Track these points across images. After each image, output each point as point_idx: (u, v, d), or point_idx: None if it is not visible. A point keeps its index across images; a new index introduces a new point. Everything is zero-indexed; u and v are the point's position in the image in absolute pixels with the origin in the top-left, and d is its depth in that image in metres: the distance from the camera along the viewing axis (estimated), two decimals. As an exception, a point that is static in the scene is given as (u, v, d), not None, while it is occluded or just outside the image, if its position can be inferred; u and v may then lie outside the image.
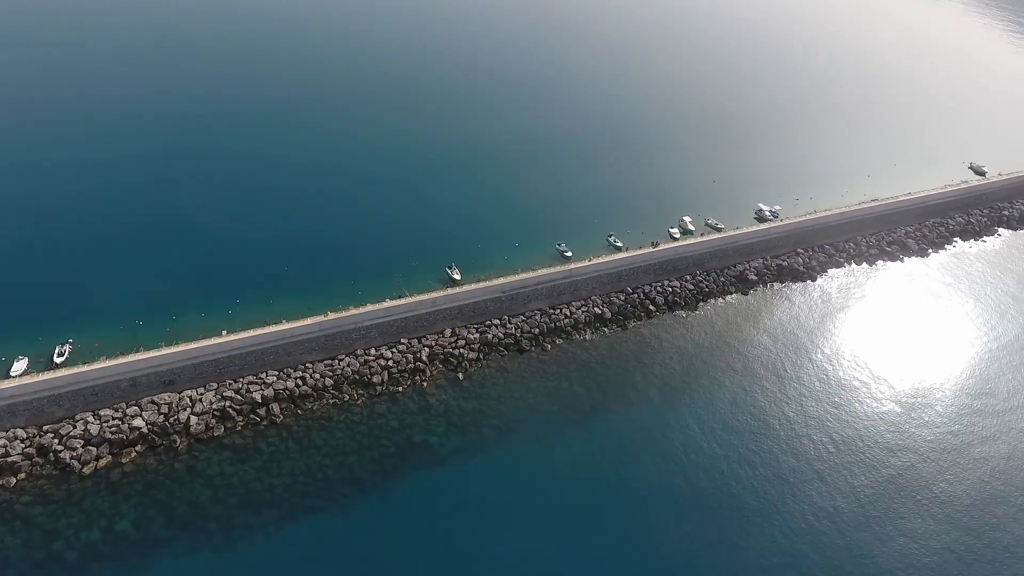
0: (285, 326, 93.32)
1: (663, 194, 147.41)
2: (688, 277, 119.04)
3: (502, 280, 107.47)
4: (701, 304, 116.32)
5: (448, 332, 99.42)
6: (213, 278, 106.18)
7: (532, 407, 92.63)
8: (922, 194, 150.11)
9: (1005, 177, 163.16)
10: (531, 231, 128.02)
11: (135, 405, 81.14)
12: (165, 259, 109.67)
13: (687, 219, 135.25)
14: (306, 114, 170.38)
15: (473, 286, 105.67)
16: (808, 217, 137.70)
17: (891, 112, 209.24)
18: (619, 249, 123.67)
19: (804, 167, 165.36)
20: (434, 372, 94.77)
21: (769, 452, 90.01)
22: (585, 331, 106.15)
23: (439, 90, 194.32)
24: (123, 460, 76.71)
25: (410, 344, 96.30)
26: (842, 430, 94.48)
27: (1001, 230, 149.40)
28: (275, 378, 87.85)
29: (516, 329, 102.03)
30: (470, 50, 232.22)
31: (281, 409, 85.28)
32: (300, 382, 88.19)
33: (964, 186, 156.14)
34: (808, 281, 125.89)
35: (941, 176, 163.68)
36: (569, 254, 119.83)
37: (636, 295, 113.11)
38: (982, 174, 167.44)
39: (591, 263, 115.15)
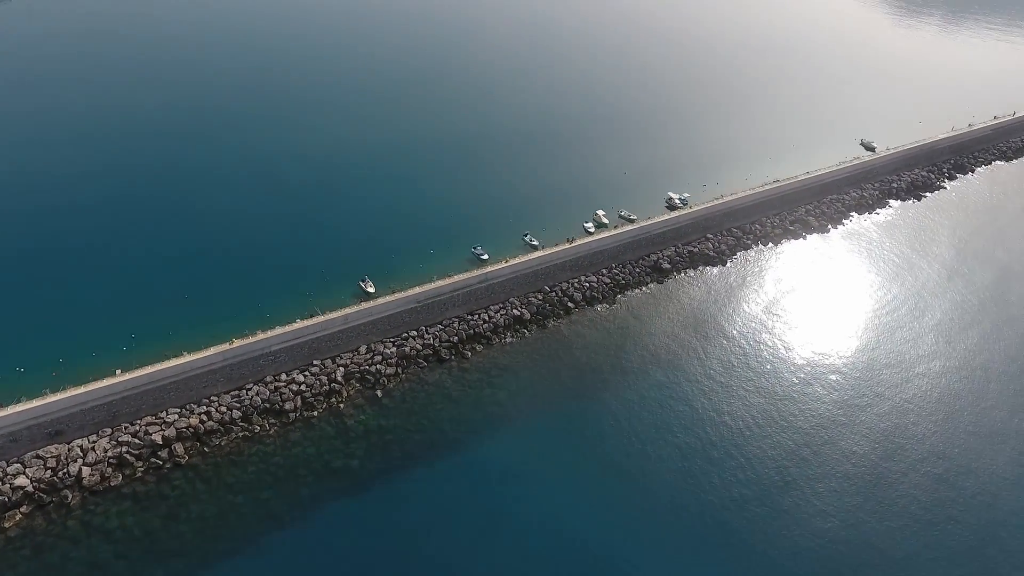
0: (187, 359, 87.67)
1: (576, 189, 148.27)
2: (604, 271, 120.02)
3: (418, 290, 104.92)
4: (619, 296, 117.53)
5: (364, 349, 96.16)
6: (105, 312, 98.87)
7: (455, 418, 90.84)
8: (819, 173, 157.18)
9: (892, 151, 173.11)
10: (446, 236, 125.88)
11: (17, 463, 74.11)
12: (49, 294, 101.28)
13: (601, 213, 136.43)
14: (196, 124, 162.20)
15: (388, 298, 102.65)
16: (716, 203, 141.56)
17: (788, 95, 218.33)
18: (535, 248, 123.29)
19: (710, 154, 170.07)
20: (351, 392, 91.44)
21: (695, 434, 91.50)
22: (505, 334, 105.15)
23: (338, 96, 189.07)
24: (6, 525, 69.92)
25: (324, 365, 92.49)
26: (762, 402, 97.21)
27: (891, 201, 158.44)
28: (177, 416, 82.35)
29: (434, 339, 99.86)
30: (365, 55, 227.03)
31: (185, 449, 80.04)
32: (205, 417, 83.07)
33: (856, 162, 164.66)
34: (720, 265, 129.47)
35: (836, 154, 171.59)
36: (485, 257, 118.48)
37: (554, 293, 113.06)
38: (872, 150, 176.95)
39: (507, 264, 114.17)
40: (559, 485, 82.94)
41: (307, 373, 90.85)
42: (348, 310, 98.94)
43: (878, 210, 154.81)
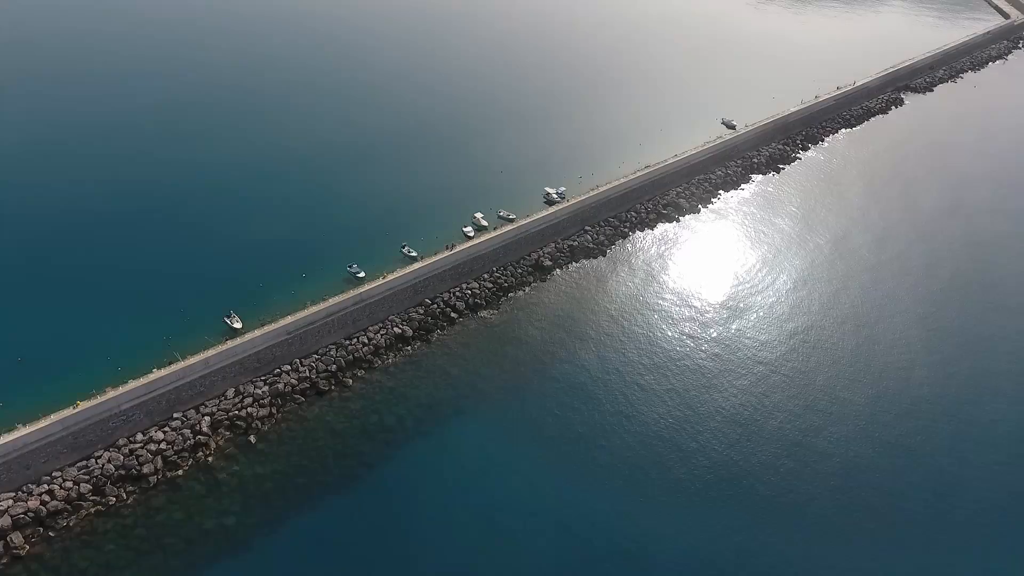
0: (20, 432, 77.15)
1: (453, 193, 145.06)
2: (486, 275, 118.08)
3: (288, 319, 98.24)
4: (503, 300, 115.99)
5: (231, 392, 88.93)
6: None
7: (340, 452, 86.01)
8: (687, 154, 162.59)
9: (750, 128, 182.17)
10: (318, 257, 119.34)
11: None
12: None
13: (479, 215, 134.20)
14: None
15: (256, 333, 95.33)
16: (592, 193, 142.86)
17: (654, 79, 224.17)
18: (415, 259, 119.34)
19: (584, 144, 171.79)
20: (220, 442, 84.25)
21: (596, 424, 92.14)
22: (387, 355, 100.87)
23: (180, 116, 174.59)
24: None
25: (186, 417, 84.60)
26: (652, 381, 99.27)
27: (754, 176, 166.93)
28: (11, 502, 72.34)
29: (310, 370, 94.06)
30: (204, 62, 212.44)
31: (26, 537, 70.49)
32: (47, 497, 73.57)
33: (719, 141, 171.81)
34: (600, 256, 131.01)
35: (701, 134, 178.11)
36: (362, 275, 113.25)
37: (436, 305, 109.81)
38: (733, 127, 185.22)
39: (384, 281, 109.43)
40: (459, 508, 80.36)
41: (167, 429, 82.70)
42: (210, 352, 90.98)
43: (743, 186, 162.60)
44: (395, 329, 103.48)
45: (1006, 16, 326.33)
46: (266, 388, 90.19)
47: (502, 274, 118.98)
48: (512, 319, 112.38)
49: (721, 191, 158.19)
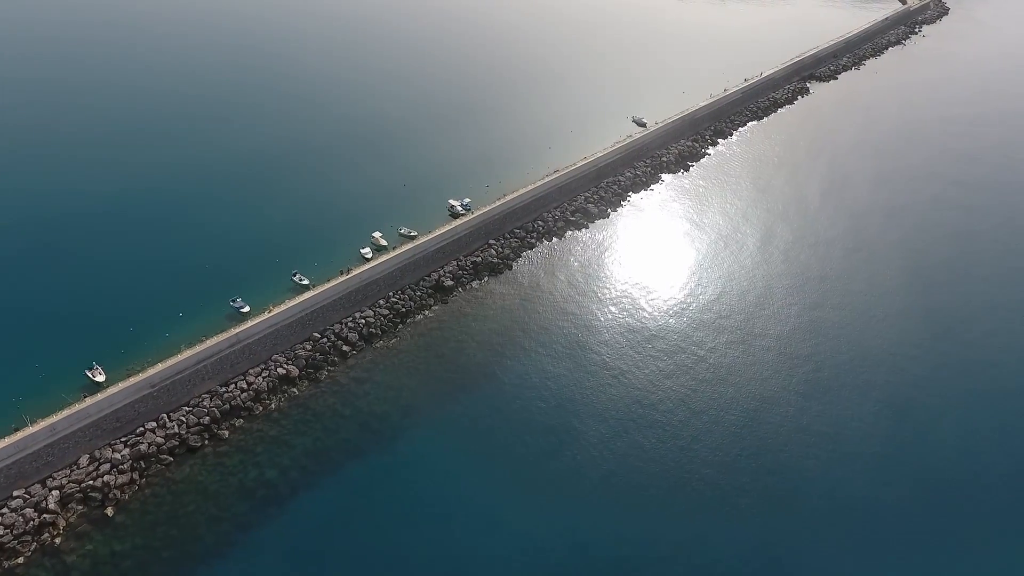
0: None
1: (351, 211, 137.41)
2: (382, 301, 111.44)
3: (155, 370, 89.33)
4: (400, 327, 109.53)
5: (85, 459, 79.85)
6: None
7: (213, 517, 78.32)
8: (595, 156, 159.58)
9: (660, 125, 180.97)
10: (199, 293, 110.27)
11: None
12: None
13: (378, 235, 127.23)
14: None
15: (115, 388, 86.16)
16: (497, 204, 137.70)
17: (564, 79, 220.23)
18: (307, 287, 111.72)
19: (491, 151, 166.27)
20: (71, 519, 75.28)
21: (509, 452, 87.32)
22: (271, 400, 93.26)
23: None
24: None
25: (29, 494, 75.21)
26: (583, 408, 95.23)
27: (663, 176, 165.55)
28: None
29: (179, 425, 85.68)
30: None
31: None
32: None
33: (628, 141, 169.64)
34: (506, 271, 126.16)
35: (612, 134, 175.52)
36: (247, 309, 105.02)
37: (326, 339, 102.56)
38: (643, 125, 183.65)
39: (268, 316, 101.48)
40: (353, 566, 74.30)
41: (5, 511, 73.18)
42: (60, 415, 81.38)
43: (652, 186, 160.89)
44: (279, 370, 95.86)
45: (903, 1, 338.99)
46: (126, 451, 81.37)
47: (399, 298, 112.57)
48: (410, 347, 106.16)
49: (631, 193, 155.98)
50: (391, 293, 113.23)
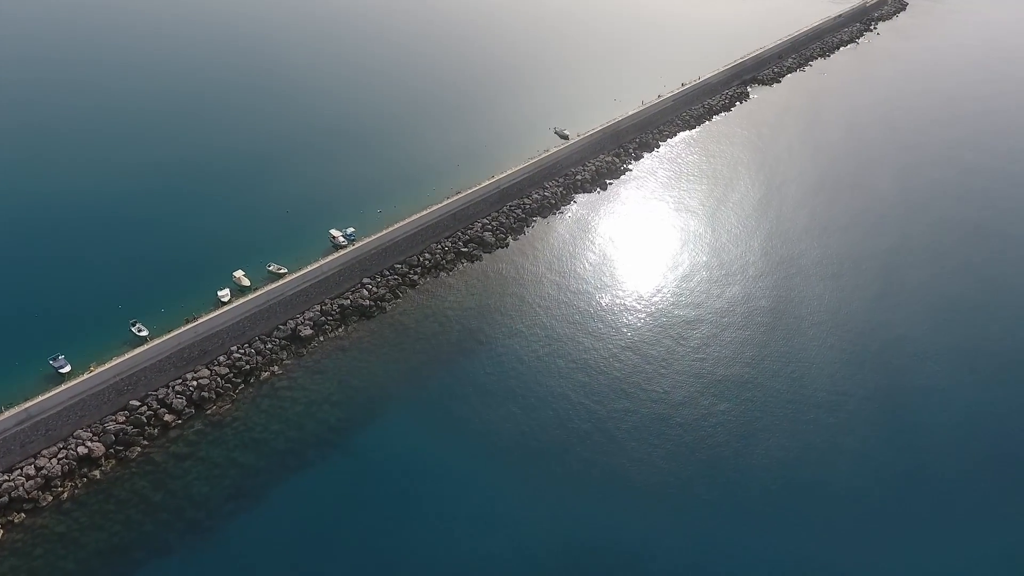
0: None
1: (218, 243, 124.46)
2: (222, 357, 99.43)
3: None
4: (241, 388, 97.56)
5: None
6: None
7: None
8: (499, 176, 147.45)
9: (581, 138, 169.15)
10: (11, 348, 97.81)
11: None
12: None
13: (239, 273, 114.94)
14: None
15: None
16: (381, 234, 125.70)
17: (486, 85, 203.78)
18: (143, 340, 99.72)
19: (391, 171, 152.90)
20: None
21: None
22: (64, 487, 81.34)
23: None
24: None
25: None
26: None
27: (577, 196, 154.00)
28: None
29: (-63, 529, 73.57)
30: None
31: None
32: None
33: (540, 157, 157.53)
34: (379, 315, 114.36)
35: (533, 148, 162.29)
36: (67, 369, 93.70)
37: (145, 407, 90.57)
38: (566, 138, 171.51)
39: (92, 375, 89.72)
40: None
41: None
42: None
43: (562, 208, 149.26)
44: (80, 448, 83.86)
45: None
46: None
47: (243, 353, 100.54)
48: (252, 418, 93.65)
49: (537, 217, 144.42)
50: (235, 348, 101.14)
